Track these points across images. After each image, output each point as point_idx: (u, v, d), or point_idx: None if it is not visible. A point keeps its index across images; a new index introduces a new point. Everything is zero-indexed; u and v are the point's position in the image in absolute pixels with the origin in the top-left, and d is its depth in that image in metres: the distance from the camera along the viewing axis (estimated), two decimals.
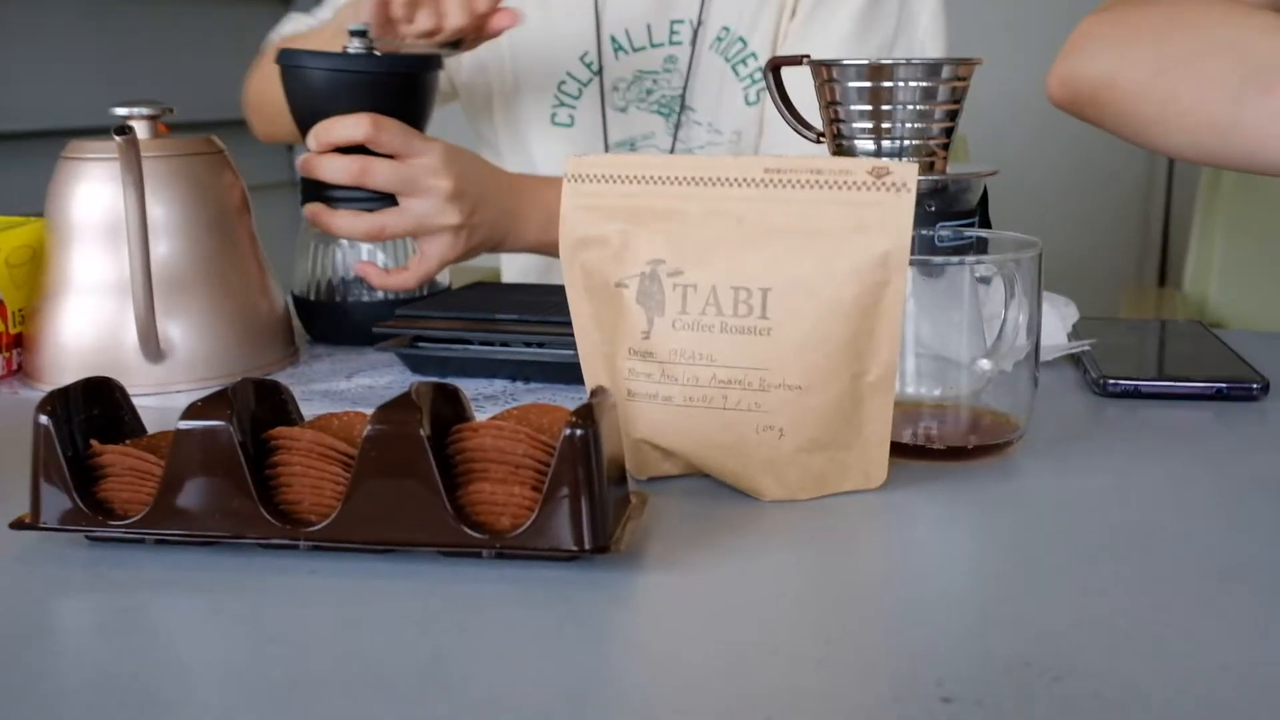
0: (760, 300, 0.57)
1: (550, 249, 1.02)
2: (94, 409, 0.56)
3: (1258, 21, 0.75)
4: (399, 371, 0.85)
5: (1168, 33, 0.82)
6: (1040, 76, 2.22)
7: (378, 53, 0.93)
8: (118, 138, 0.74)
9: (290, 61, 0.91)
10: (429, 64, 0.94)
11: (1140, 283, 2.43)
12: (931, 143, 0.73)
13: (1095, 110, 0.85)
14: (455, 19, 0.94)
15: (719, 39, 1.18)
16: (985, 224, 0.78)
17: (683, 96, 1.19)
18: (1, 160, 2.35)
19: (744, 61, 1.18)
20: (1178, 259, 2.37)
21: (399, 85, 0.92)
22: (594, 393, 0.51)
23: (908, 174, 0.56)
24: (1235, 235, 1.64)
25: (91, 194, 0.81)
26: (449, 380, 0.81)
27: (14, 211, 0.98)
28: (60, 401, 0.53)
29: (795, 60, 0.78)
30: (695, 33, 1.18)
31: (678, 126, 1.20)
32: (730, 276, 0.57)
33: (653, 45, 1.19)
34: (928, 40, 1.14)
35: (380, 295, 0.94)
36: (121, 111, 0.83)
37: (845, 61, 0.71)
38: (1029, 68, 2.39)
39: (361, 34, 0.92)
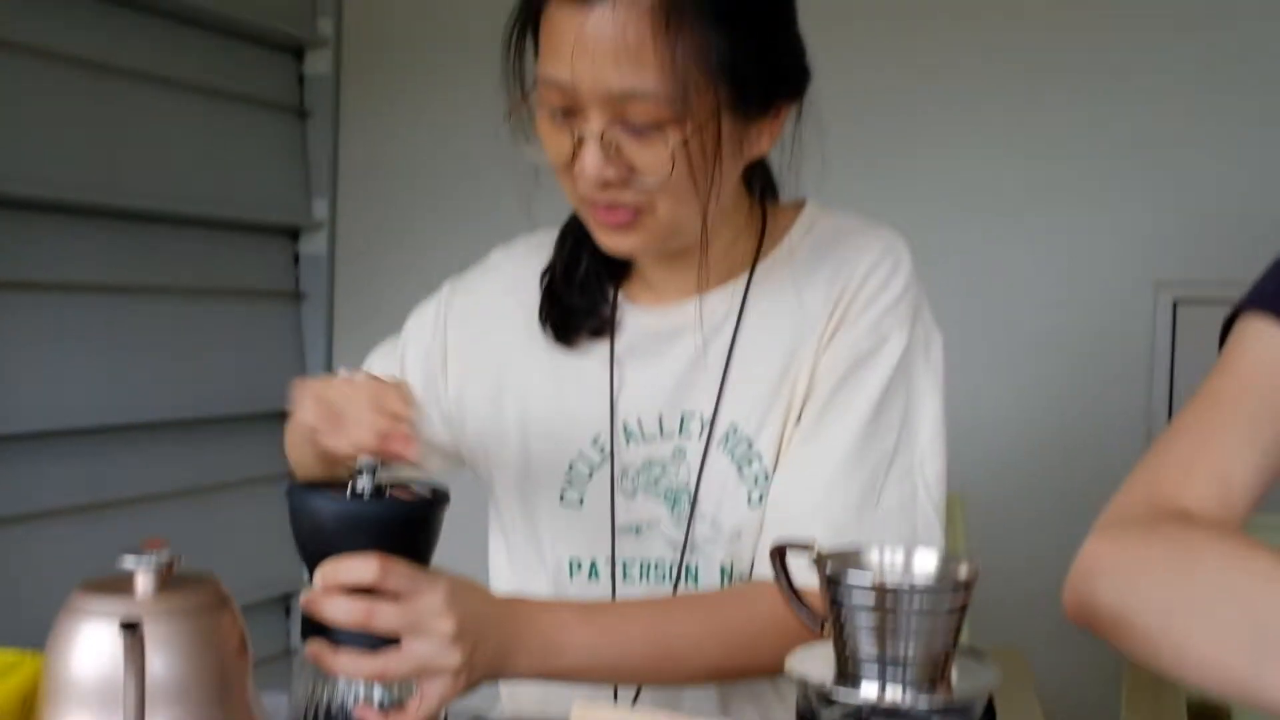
0: None
1: (546, 675, 1.01)
2: None
3: (1263, 566, 0.77)
4: None
5: (1175, 572, 0.83)
6: (1031, 419, 2.19)
7: (385, 487, 0.94)
8: (124, 634, 0.74)
9: (298, 502, 0.92)
10: (438, 501, 0.95)
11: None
12: (939, 650, 0.73)
13: (1114, 639, 0.86)
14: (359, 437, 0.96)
15: (727, 437, 1.19)
16: None
17: (694, 491, 1.19)
18: (6, 460, 2.36)
19: (749, 462, 1.19)
20: None
21: (405, 528, 0.93)
22: None
23: None
24: None
25: (91, 652, 0.81)
26: None
27: None
28: None
29: (803, 546, 0.79)
30: (709, 428, 1.18)
31: (690, 520, 1.19)
32: None
33: (663, 436, 1.20)
34: (927, 458, 1.15)
35: None
36: (129, 562, 0.84)
37: (850, 580, 0.72)
38: (1018, 421, 2.44)
39: (372, 470, 0.94)
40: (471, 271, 1.34)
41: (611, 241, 1.12)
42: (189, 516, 2.75)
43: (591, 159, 1.04)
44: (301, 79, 3.06)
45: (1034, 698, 1.70)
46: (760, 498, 1.18)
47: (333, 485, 0.95)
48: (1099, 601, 0.85)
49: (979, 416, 2.37)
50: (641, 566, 1.21)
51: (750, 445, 1.18)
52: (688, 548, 1.19)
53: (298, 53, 3.04)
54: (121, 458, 2.60)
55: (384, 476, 0.96)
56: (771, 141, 1.14)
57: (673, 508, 1.21)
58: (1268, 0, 2.30)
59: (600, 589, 1.20)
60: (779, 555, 0.82)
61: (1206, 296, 2.32)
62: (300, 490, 0.93)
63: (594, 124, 1.03)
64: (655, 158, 1.04)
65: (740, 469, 1.19)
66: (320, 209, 3.07)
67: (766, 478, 1.17)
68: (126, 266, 2.62)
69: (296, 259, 3.10)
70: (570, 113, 1.05)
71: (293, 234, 3.08)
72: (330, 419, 0.96)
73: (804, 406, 1.17)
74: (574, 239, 1.23)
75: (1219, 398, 0.93)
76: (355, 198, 3.10)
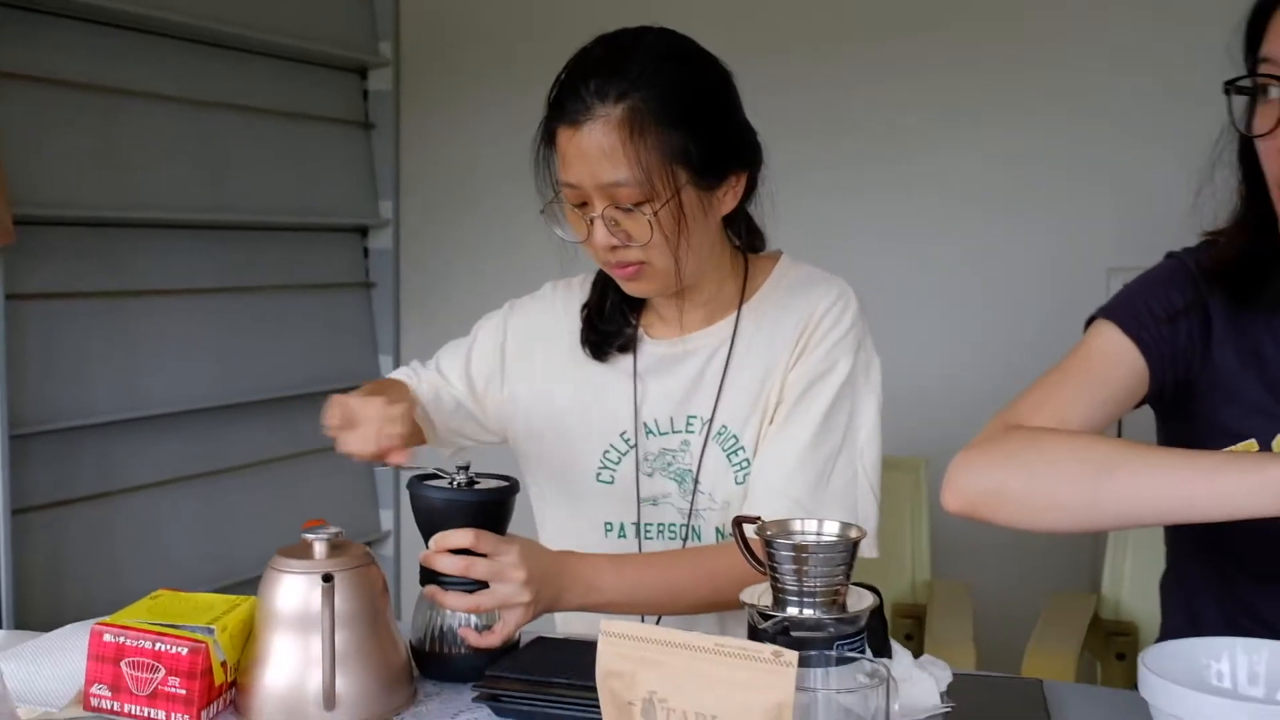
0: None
1: (588, 608, 1.44)
2: None
3: (1086, 439, 1.18)
4: (489, 716, 1.26)
5: (1030, 452, 1.20)
6: (993, 388, 2.58)
7: (475, 479, 1.36)
8: (323, 583, 1.17)
9: (418, 491, 1.35)
10: (512, 489, 1.37)
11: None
12: (836, 583, 1.14)
13: (989, 512, 1.21)
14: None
15: (719, 433, 1.59)
16: (881, 628, 1.19)
17: (695, 474, 1.60)
18: (139, 438, 2.81)
19: (735, 452, 1.58)
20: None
21: (491, 509, 1.35)
22: None
23: (791, 658, 0.96)
24: (1143, 547, 2.03)
25: (289, 594, 1.24)
26: None
27: None
28: None
29: (751, 520, 1.21)
30: (707, 426, 1.59)
31: (693, 494, 1.60)
32: (696, 705, 0.98)
33: (673, 431, 1.61)
34: (865, 450, 1.54)
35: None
36: (311, 535, 1.27)
37: (779, 543, 1.13)
38: (980, 391, 2.79)
39: (465, 468, 1.36)
40: (528, 297, 1.74)
41: (629, 288, 1.55)
42: (284, 479, 3.22)
43: (599, 233, 1.48)
44: (366, 95, 3.47)
45: (969, 614, 2.12)
46: (744, 478, 1.59)
47: (437, 477, 1.37)
48: (976, 484, 1.21)
49: (944, 385, 2.77)
50: (658, 528, 1.62)
51: (737, 440, 1.59)
52: (691, 514, 1.60)
53: (361, 72, 3.45)
54: (229, 431, 3.07)
55: (475, 471, 1.38)
56: (735, 201, 1.54)
57: (680, 484, 1.62)
58: (1201, 27, 2.66)
59: (628, 544, 1.62)
60: (738, 524, 1.23)
61: None
62: (419, 484, 1.35)
63: (597, 208, 1.46)
64: (640, 227, 1.46)
65: (729, 457, 1.59)
66: (386, 209, 3.50)
67: (748, 463, 1.58)
68: (227, 271, 3.06)
69: (366, 253, 3.53)
70: (583, 205, 1.48)
71: (362, 232, 3.51)
72: (346, 425, 1.36)
73: (775, 411, 1.58)
74: (603, 285, 1.65)
75: (1065, 372, 1.32)
76: (416, 198, 3.52)
